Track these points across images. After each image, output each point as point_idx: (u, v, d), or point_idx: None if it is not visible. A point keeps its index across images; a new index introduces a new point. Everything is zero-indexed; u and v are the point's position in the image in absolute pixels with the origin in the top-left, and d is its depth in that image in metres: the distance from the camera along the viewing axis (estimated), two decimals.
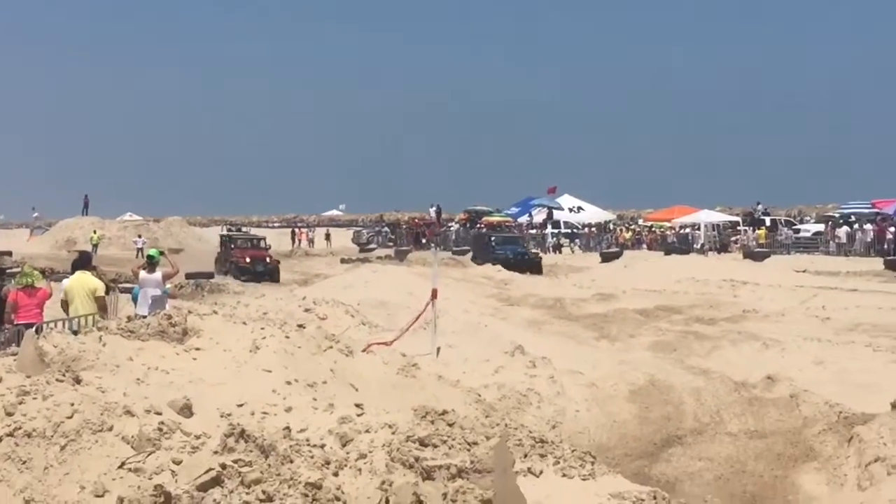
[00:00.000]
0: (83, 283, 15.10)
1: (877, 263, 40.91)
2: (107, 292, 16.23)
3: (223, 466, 6.63)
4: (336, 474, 6.99)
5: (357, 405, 8.69)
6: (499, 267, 45.94)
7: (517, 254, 48.41)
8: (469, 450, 7.43)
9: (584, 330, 26.53)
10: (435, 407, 8.51)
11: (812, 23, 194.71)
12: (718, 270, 39.52)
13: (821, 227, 54.26)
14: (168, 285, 18.06)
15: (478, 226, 65.10)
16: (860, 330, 24.67)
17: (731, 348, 22.79)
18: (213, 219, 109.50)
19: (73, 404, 7.41)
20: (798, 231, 55.24)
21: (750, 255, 47.15)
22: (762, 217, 59.65)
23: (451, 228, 67.47)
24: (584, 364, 19.28)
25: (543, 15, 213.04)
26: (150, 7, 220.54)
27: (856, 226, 48.92)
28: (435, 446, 7.52)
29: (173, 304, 17.50)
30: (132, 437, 7.24)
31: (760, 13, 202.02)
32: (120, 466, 6.97)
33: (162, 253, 18.68)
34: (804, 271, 40.01)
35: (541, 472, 7.73)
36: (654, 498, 7.52)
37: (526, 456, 7.98)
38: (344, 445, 7.60)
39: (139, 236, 65.79)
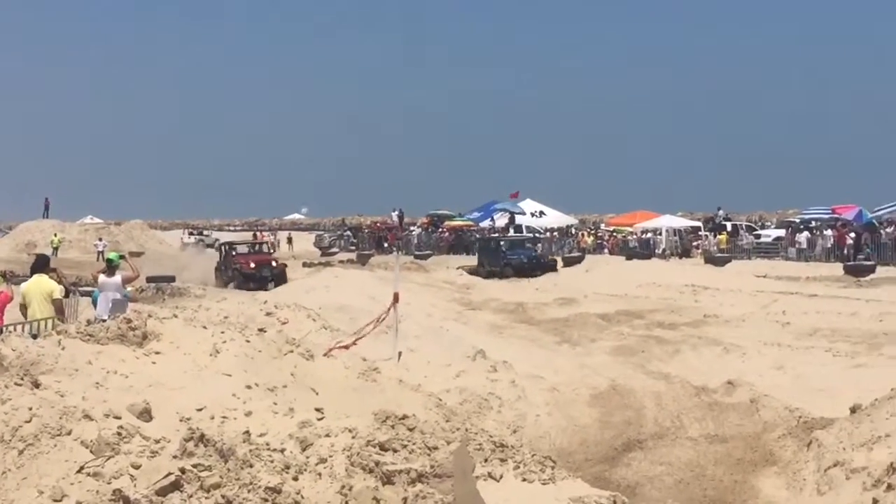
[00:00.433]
0: (40, 286, 14.96)
1: (836, 269, 41.24)
2: (66, 295, 16.10)
3: (182, 471, 6.61)
4: (296, 479, 6.98)
5: (317, 409, 8.68)
6: (461, 272, 45.99)
7: (531, 258, 47.68)
8: (429, 454, 7.45)
9: (546, 334, 26.64)
10: (395, 411, 8.51)
11: (771, 24, 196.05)
12: (680, 275, 39.77)
13: (781, 232, 54.50)
14: (128, 289, 17.90)
15: (440, 230, 64.98)
16: (820, 335, 24.89)
17: (691, 353, 22.96)
18: (174, 222, 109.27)
19: (31, 408, 7.36)
20: (759, 236, 55.51)
21: (711, 260, 47.32)
22: (723, 222, 59.89)
23: (413, 232, 67.33)
24: (545, 368, 19.40)
25: (503, 18, 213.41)
26: (108, 10, 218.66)
27: (816, 231, 49.24)
28: (395, 451, 7.54)
29: (134, 307, 17.32)
30: (91, 441, 7.20)
31: (715, 16, 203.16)
32: (79, 471, 6.93)
33: (122, 256, 18.54)
34: (765, 276, 40.25)
35: (501, 477, 7.74)
36: (615, 502, 7.55)
37: (486, 460, 7.98)
38: (304, 450, 7.60)
39: (100, 239, 65.57)
